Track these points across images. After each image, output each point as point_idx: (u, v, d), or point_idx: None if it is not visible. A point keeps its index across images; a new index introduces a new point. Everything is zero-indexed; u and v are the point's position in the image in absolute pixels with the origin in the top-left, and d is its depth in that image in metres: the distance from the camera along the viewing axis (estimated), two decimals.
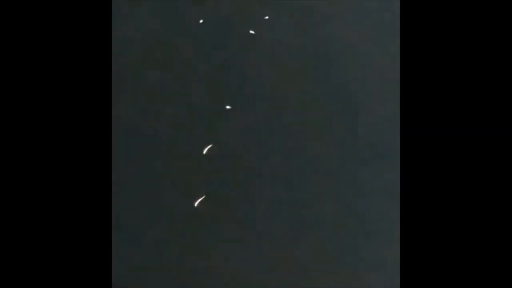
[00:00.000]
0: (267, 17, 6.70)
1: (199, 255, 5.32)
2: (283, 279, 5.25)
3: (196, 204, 5.49)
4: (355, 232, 5.49)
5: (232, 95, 6.16)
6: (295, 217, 5.56)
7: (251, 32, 6.54)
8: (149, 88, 6.21)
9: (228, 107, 6.08)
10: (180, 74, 6.32)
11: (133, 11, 6.63)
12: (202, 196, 5.54)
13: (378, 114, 6.13)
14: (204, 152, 5.78)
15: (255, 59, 6.44)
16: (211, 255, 5.33)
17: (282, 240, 5.44)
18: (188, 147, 5.86)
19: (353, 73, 6.39)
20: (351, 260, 5.36)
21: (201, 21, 6.64)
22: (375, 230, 5.48)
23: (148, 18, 6.64)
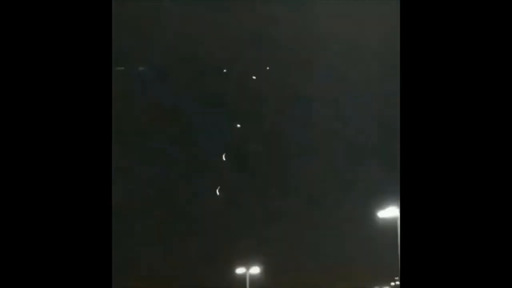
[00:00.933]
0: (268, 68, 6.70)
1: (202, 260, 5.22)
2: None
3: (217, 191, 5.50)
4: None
5: (243, 111, 6.11)
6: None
7: (253, 77, 6.56)
8: (149, 92, 6.18)
9: (238, 125, 6.02)
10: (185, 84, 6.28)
11: (133, 13, 6.65)
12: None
13: None
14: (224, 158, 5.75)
15: (264, 75, 6.40)
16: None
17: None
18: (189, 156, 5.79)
19: None
20: None
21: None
22: None
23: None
